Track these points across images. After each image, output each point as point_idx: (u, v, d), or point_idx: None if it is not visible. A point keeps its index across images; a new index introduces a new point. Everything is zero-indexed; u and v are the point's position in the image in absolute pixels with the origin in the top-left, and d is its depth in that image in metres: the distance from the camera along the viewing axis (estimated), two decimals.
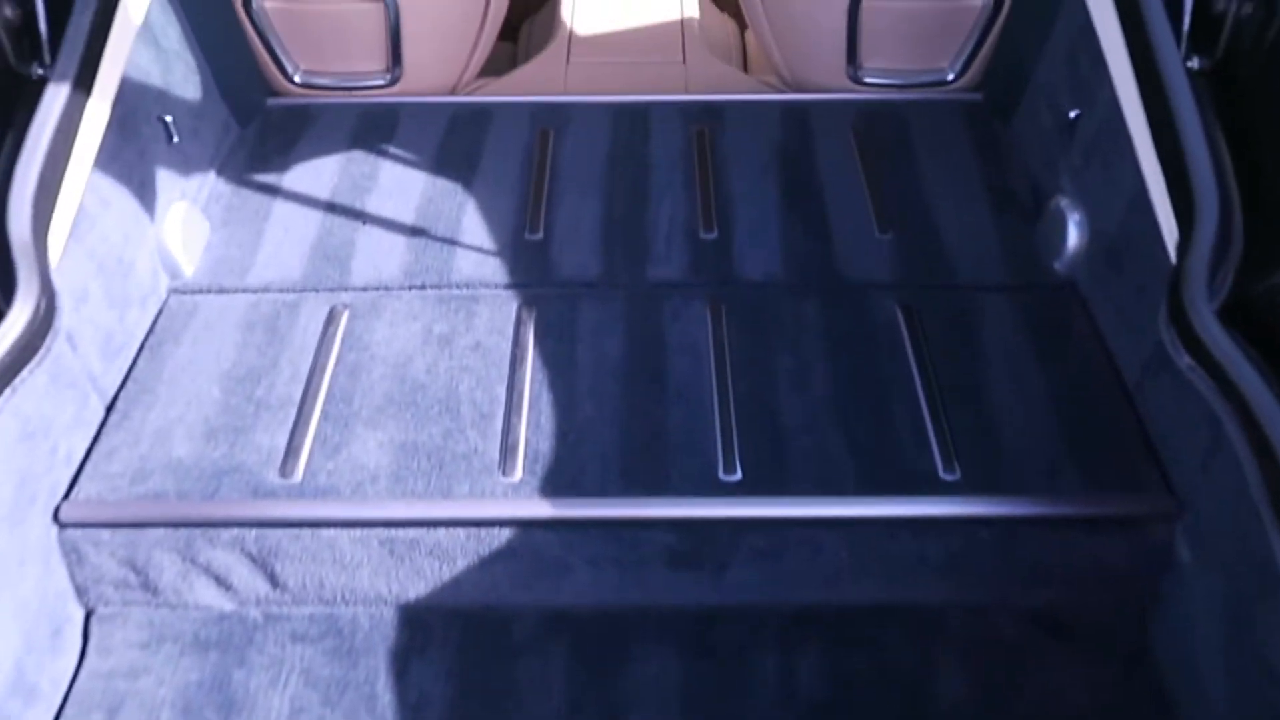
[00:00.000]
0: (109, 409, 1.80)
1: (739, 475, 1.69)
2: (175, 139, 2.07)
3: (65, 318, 1.66)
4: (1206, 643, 1.49)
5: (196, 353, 1.90)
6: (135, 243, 1.91)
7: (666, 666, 1.63)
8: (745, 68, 2.98)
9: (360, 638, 1.68)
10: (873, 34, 2.43)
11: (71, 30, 1.53)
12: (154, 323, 1.95)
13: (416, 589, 1.70)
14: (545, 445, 1.73)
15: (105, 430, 1.77)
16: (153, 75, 2.02)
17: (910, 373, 1.84)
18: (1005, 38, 2.37)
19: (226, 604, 1.71)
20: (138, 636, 1.69)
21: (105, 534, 1.65)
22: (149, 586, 1.70)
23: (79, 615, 1.70)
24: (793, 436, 1.74)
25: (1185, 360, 1.37)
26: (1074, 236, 2.00)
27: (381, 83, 2.51)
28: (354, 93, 2.52)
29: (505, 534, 1.65)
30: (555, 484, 1.68)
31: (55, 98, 1.52)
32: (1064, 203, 2.03)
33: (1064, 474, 1.69)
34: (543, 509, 1.65)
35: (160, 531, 1.66)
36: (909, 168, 2.27)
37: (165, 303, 2.00)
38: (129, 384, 1.84)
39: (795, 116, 2.42)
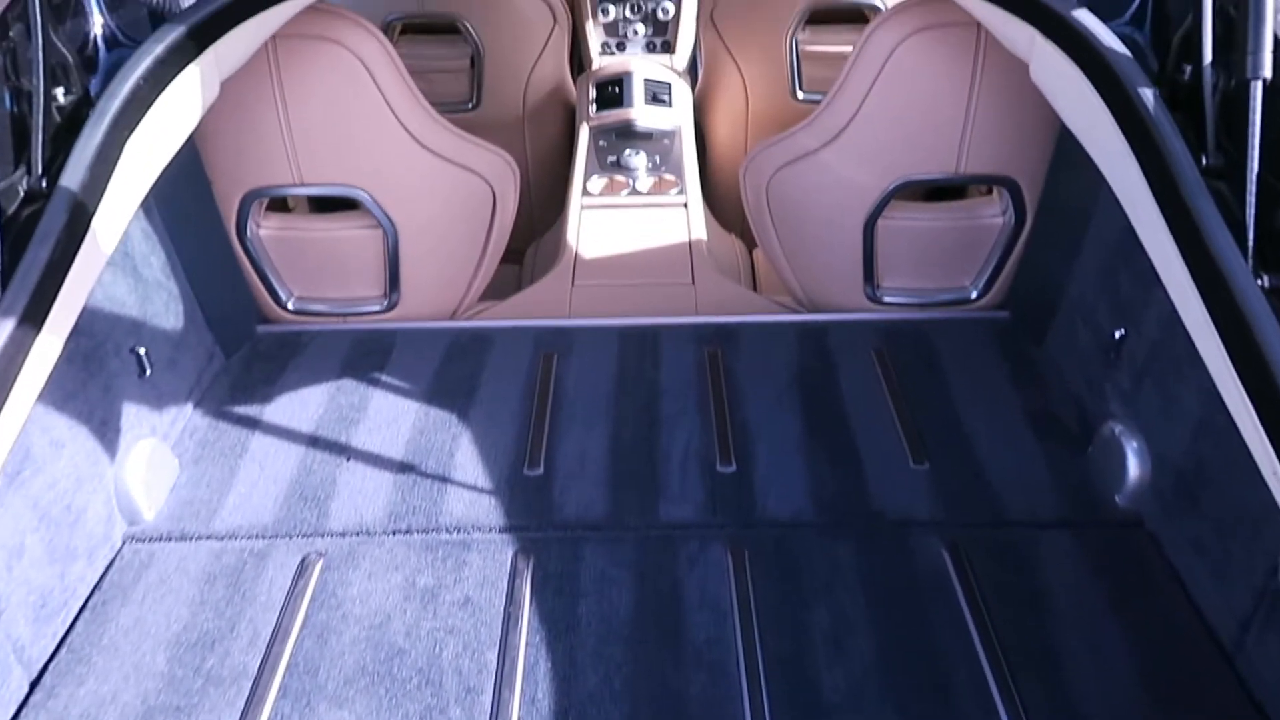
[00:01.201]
0: (34, 684, 1.55)
1: None
2: (149, 372, 1.92)
3: None
4: None
5: (145, 613, 1.66)
6: (89, 487, 1.72)
7: None
8: (755, 288, 2.88)
9: None
10: (890, 252, 2.33)
11: (24, 266, 1.41)
12: (101, 577, 1.73)
13: None
14: None
15: (25, 711, 1.51)
16: (128, 306, 1.89)
17: (966, 627, 1.59)
18: (1030, 255, 2.27)
19: None
20: None
21: None
22: None
23: None
24: (833, 708, 1.47)
25: None
26: (1135, 467, 1.80)
27: (378, 308, 2.40)
28: (349, 319, 2.40)
29: None
30: None
31: (2, 327, 1.37)
32: (1117, 429, 1.84)
33: None
34: None
35: None
36: (939, 390, 2.11)
37: (118, 552, 1.78)
38: (61, 652, 1.60)
39: (813, 337, 2.28)
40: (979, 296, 2.36)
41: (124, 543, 1.80)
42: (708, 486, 1.88)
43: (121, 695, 1.52)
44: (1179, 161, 1.50)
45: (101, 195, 1.60)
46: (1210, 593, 1.59)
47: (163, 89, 1.71)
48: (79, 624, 1.64)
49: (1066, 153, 2.10)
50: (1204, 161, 1.51)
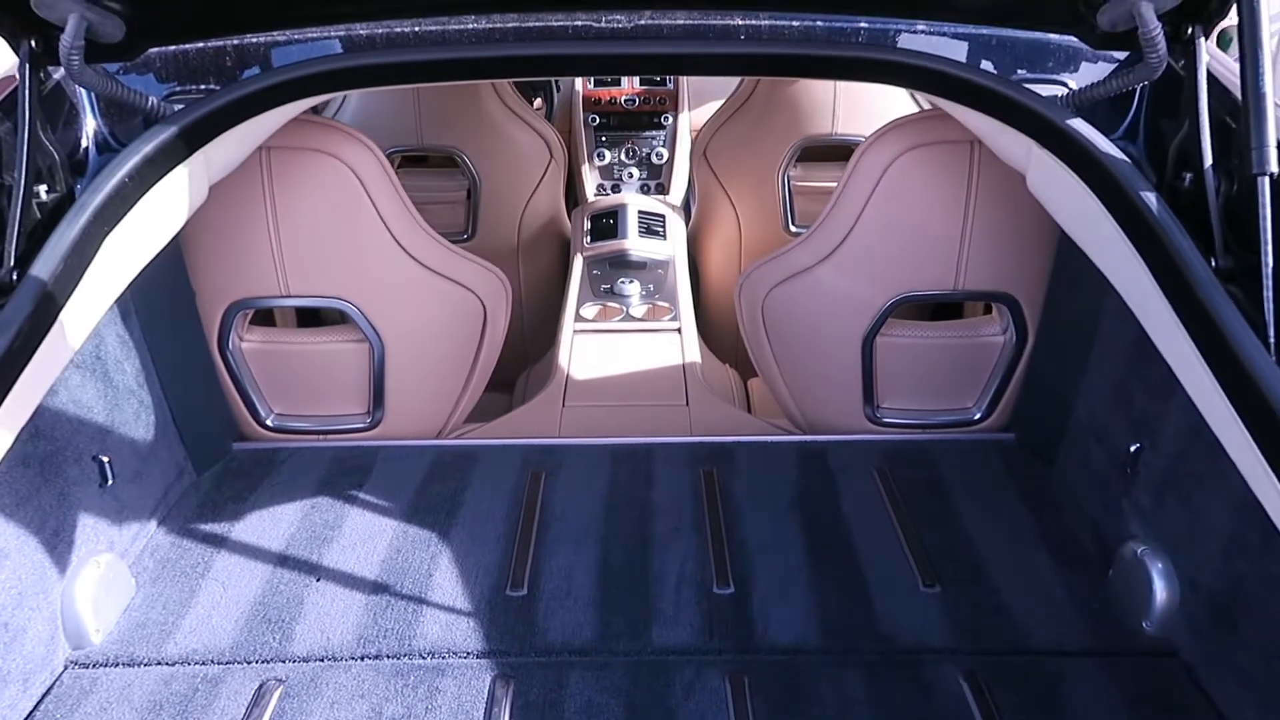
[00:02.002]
0: None
1: None
2: (110, 482, 1.81)
3: None
4: None
5: None
6: (31, 605, 1.58)
7: None
8: (750, 413, 2.81)
9: None
10: (889, 371, 2.26)
11: None
12: (36, 706, 1.57)
13: None
14: None
15: None
16: (95, 412, 1.80)
17: None
18: (1034, 374, 2.21)
19: None
20: None
21: None
22: None
23: None
24: None
25: None
26: (1162, 590, 1.67)
27: (361, 426, 2.31)
28: (329, 436, 2.30)
29: None
30: None
31: None
32: (1140, 549, 1.73)
33: None
34: None
35: None
36: (945, 512, 2.00)
37: (58, 678, 1.62)
38: None
39: (812, 457, 2.18)
40: (983, 418, 2.29)
41: (65, 668, 1.64)
42: (704, 609, 1.74)
43: None
44: (1190, 261, 1.45)
45: (73, 290, 1.54)
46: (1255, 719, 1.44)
47: (148, 188, 1.68)
48: None
49: (1066, 268, 2.07)
50: (1214, 264, 1.47)
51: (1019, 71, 1.85)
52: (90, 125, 1.81)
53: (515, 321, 2.83)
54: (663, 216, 3.33)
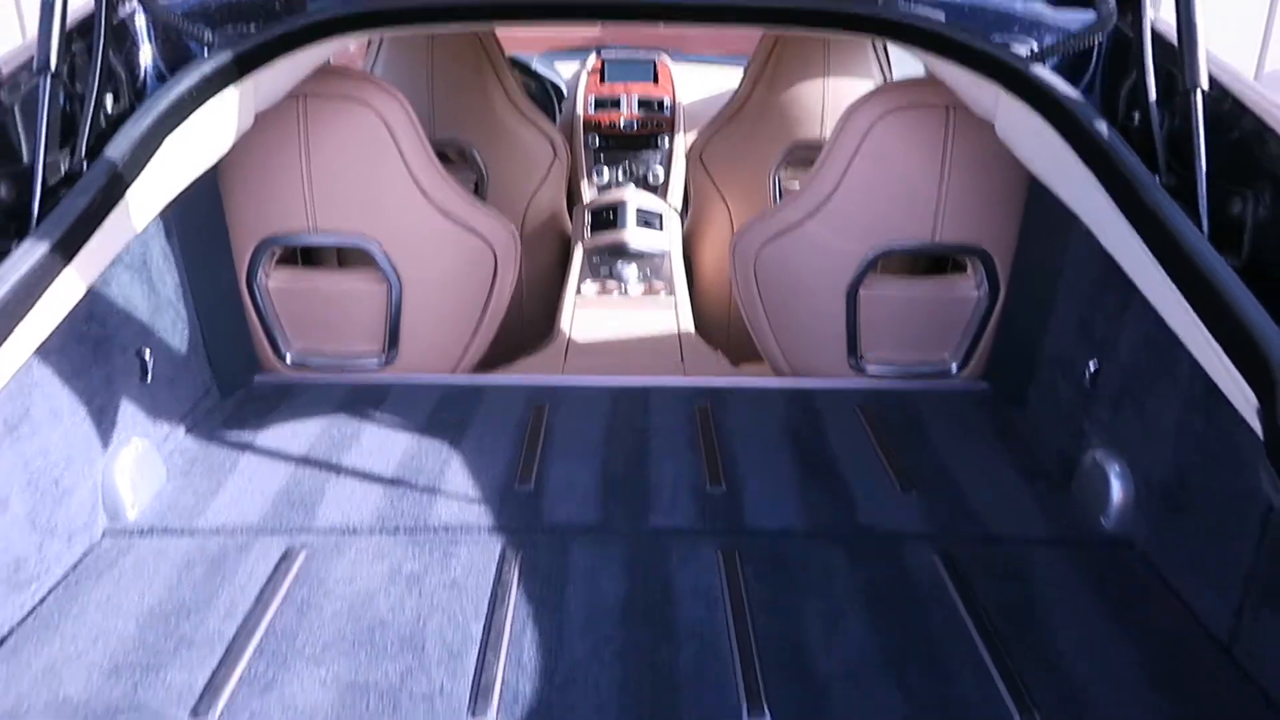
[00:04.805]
0: None
1: (768, 719, 1.35)
2: (149, 379, 1.95)
3: None
4: None
5: (119, 591, 1.61)
6: (78, 469, 1.71)
7: None
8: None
9: None
10: (871, 323, 2.43)
11: (60, 210, 1.49)
12: (78, 562, 1.68)
13: None
14: (527, 686, 1.40)
15: None
16: (140, 311, 1.95)
17: (962, 621, 1.57)
18: (1006, 326, 2.38)
19: None
20: None
21: None
22: None
23: None
24: (830, 681, 1.43)
25: None
26: (1118, 489, 1.82)
27: (375, 365, 2.45)
28: (345, 372, 2.45)
29: None
30: None
31: (25, 259, 1.43)
32: (1098, 455, 1.88)
33: None
34: None
35: None
36: (925, 443, 2.15)
37: (97, 543, 1.74)
38: (29, 619, 1.54)
39: (800, 399, 2.34)
40: (959, 370, 2.45)
41: (103, 536, 1.76)
42: (698, 503, 1.88)
43: (88, 655, 1.46)
44: (1139, 174, 1.65)
45: (132, 182, 1.71)
46: (1204, 591, 1.58)
47: (203, 103, 1.86)
48: (50, 598, 1.59)
49: (1034, 222, 2.26)
50: (1159, 181, 1.66)
51: (992, 34, 2.07)
52: (150, 53, 1.99)
53: (515, 310, 3.00)
54: (660, 214, 3.54)
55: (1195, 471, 1.64)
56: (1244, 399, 1.33)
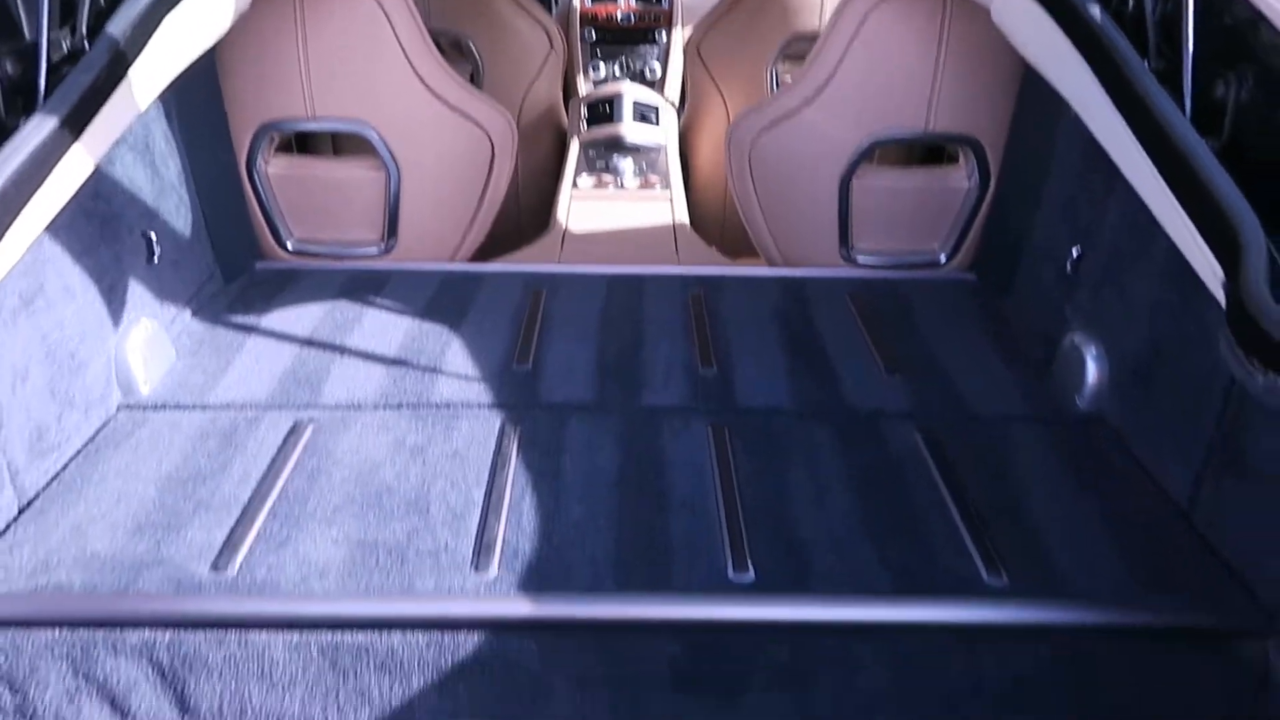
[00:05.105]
0: (23, 509, 1.56)
1: (752, 577, 1.44)
2: (156, 260, 1.99)
3: None
4: None
5: (137, 459, 1.69)
6: (92, 345, 1.77)
7: None
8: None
9: None
10: (864, 213, 2.47)
11: (65, 87, 1.51)
12: (96, 433, 1.76)
13: (359, 718, 1.37)
14: (527, 545, 1.49)
15: (15, 526, 1.52)
16: (144, 193, 1.98)
17: (939, 490, 1.65)
18: (995, 217, 2.42)
19: None
20: None
21: None
22: (25, 711, 1.37)
23: None
24: (813, 542, 1.52)
25: (1260, 380, 1.22)
26: (1093, 370, 1.89)
27: (375, 252, 2.50)
28: (345, 260, 2.49)
29: (474, 640, 1.37)
30: (537, 582, 1.42)
31: (35, 133, 1.46)
32: (1076, 339, 1.95)
33: (1125, 588, 1.45)
34: (520, 607, 1.38)
35: (53, 633, 1.36)
36: (911, 329, 2.21)
37: (112, 416, 1.81)
38: (53, 485, 1.62)
39: (791, 287, 2.39)
40: (947, 260, 2.50)
41: (119, 409, 1.83)
42: (690, 382, 1.95)
43: (112, 515, 1.54)
44: (1128, 59, 1.67)
45: (135, 57, 1.72)
46: (1168, 462, 1.66)
47: None
48: (72, 465, 1.67)
49: (1024, 111, 2.28)
50: (1148, 65, 1.69)
51: None
52: None
53: (512, 202, 3.02)
54: (656, 107, 3.52)
55: (1167, 350, 1.71)
56: (1212, 273, 1.39)
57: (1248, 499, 1.45)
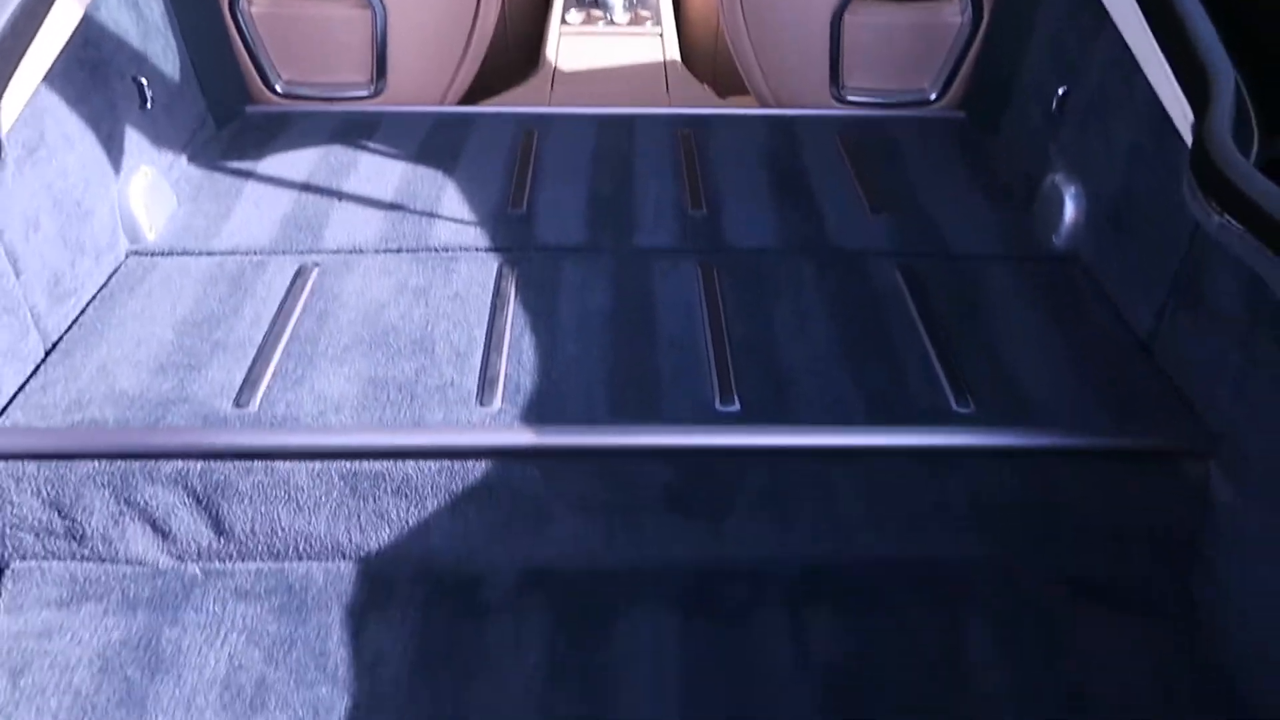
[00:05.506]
0: (49, 351, 1.65)
1: (737, 407, 1.55)
2: (149, 105, 2.00)
3: (13, 239, 1.54)
4: (1268, 589, 1.34)
5: (151, 303, 1.76)
6: (95, 192, 1.81)
7: (661, 629, 1.44)
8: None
9: (313, 593, 1.48)
10: (855, 50, 2.46)
11: None
12: (109, 278, 1.83)
13: (379, 537, 1.51)
14: (527, 379, 1.60)
15: (43, 367, 1.61)
16: (130, 37, 1.97)
17: (915, 325, 1.75)
18: (986, 55, 2.41)
19: (162, 557, 1.51)
20: (55, 594, 1.47)
21: (31, 467, 1.47)
22: (74, 534, 1.50)
23: None
24: (795, 375, 1.62)
25: (1216, 220, 1.29)
26: (1071, 209, 1.96)
27: (365, 94, 2.49)
28: (335, 103, 2.49)
29: (481, 468, 1.49)
30: (538, 413, 1.53)
31: None
32: (1058, 178, 2.00)
33: (1084, 414, 1.57)
34: (523, 437, 1.50)
35: (94, 464, 1.47)
36: (898, 168, 2.25)
37: (122, 262, 1.88)
38: (74, 329, 1.70)
39: (781, 126, 2.41)
40: (937, 98, 2.51)
41: (127, 256, 1.90)
42: (680, 223, 2.01)
43: (134, 356, 1.63)
44: None
45: None
46: (1134, 298, 1.75)
47: None
48: (90, 309, 1.74)
49: None
50: None
51: None
52: None
53: (500, 39, 2.96)
54: None
55: (1140, 192, 1.76)
56: (1183, 116, 1.43)
57: (1202, 333, 1.54)
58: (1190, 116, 1.41)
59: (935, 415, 1.55)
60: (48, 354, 1.64)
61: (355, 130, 2.34)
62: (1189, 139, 1.43)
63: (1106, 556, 1.54)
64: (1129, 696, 1.36)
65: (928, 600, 1.49)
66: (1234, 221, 1.25)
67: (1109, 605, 1.50)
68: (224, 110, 2.36)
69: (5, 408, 1.52)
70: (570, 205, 2.06)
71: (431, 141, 2.30)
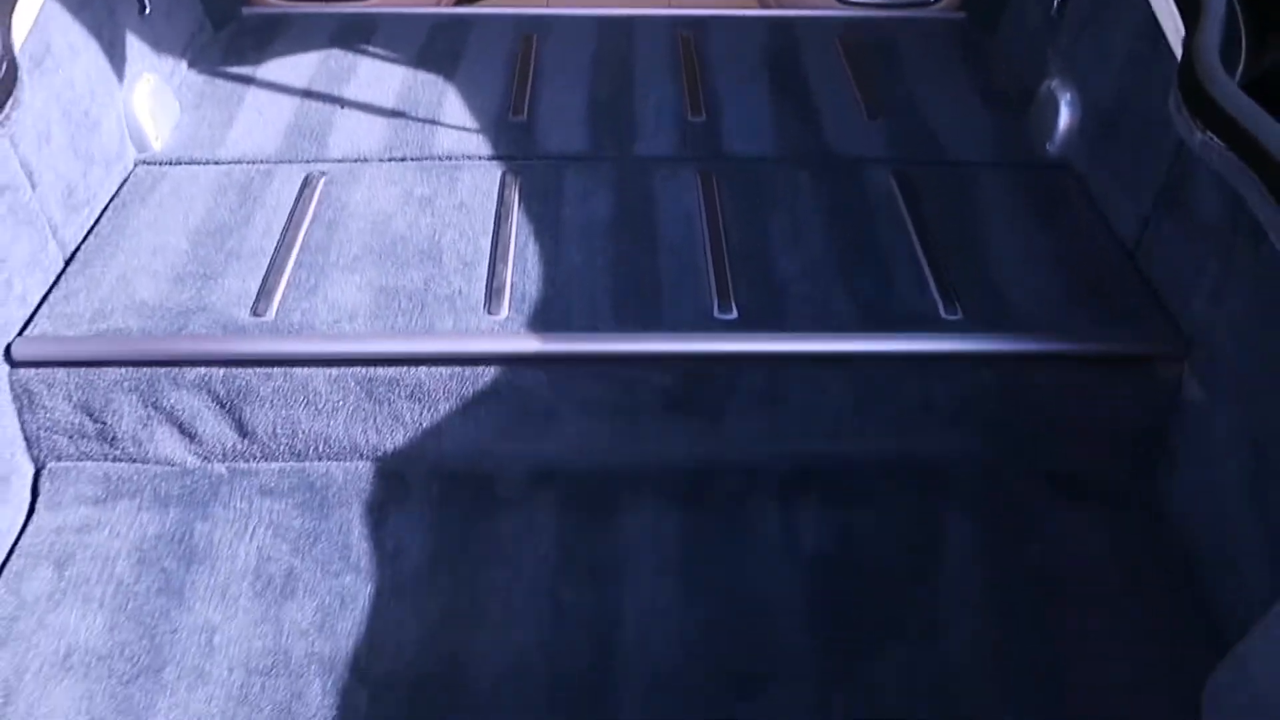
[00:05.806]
0: (68, 262, 1.70)
1: (735, 315, 1.62)
2: (148, 11, 2.00)
3: (26, 151, 1.57)
4: (1228, 483, 1.43)
5: (163, 213, 1.81)
6: (102, 102, 1.83)
7: (661, 520, 1.54)
8: None
9: (334, 491, 1.57)
10: None
11: None
12: (119, 188, 1.86)
13: (395, 438, 1.59)
14: (533, 288, 1.66)
15: (64, 278, 1.67)
16: None
17: (907, 232, 1.80)
18: None
19: (190, 457, 1.60)
20: (91, 492, 1.57)
21: (61, 373, 1.54)
22: (106, 436, 1.58)
23: (28, 470, 1.58)
24: (789, 282, 1.68)
25: (1199, 137, 1.33)
26: (1065, 116, 1.98)
27: None
28: (331, 3, 2.47)
29: (490, 373, 1.56)
30: (544, 321, 1.60)
31: None
32: (1054, 84, 2.02)
33: (1067, 319, 1.64)
34: (530, 344, 1.57)
35: (121, 371, 1.55)
36: (896, 72, 2.26)
37: (131, 172, 1.91)
38: (90, 239, 1.75)
39: (781, 28, 2.41)
40: None
41: (136, 165, 1.93)
42: (680, 130, 2.04)
43: (152, 265, 1.69)
44: None
45: None
46: (1122, 205, 1.80)
47: None
48: (104, 219, 1.79)
49: None
50: None
51: None
52: None
53: None
54: None
55: (1132, 101, 1.79)
56: (1175, 30, 1.46)
57: (1182, 242, 1.60)
58: (1181, 29, 1.43)
59: (923, 322, 1.62)
60: (67, 264, 1.70)
61: (353, 33, 2.33)
62: (1179, 53, 1.45)
63: (1081, 452, 1.63)
64: (1093, 578, 1.47)
65: (910, 493, 1.58)
66: (1215, 138, 1.29)
67: (1080, 497, 1.60)
68: (221, 12, 2.35)
69: (32, 316, 1.59)
70: (571, 112, 2.08)
71: (431, 45, 2.30)
